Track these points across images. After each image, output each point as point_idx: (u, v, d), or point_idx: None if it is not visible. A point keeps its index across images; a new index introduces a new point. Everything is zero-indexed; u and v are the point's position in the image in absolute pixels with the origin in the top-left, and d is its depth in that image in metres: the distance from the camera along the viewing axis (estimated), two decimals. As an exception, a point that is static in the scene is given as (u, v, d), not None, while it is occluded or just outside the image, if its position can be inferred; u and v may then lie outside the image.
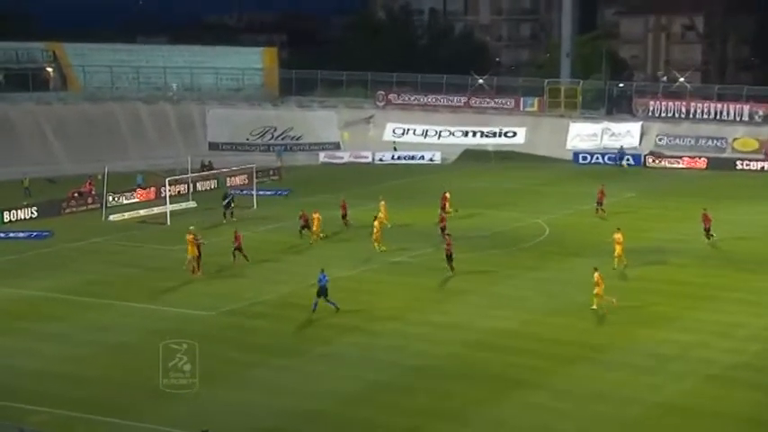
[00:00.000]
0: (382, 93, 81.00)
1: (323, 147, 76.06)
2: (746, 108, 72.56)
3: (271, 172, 65.05)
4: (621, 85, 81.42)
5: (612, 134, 73.78)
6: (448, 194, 49.94)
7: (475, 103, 79.46)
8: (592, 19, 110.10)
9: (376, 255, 40.99)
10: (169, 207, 50.36)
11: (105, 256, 42.68)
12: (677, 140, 72.70)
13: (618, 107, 77.98)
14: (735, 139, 71.31)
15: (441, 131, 77.25)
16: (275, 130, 77.35)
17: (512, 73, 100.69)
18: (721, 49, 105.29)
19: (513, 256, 41.52)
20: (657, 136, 73.31)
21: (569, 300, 34.24)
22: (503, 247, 43.31)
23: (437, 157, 72.97)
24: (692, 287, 36.34)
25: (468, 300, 34.90)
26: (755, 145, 70.41)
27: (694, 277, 37.87)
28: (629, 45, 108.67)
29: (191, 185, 56.79)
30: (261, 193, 56.10)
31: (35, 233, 47.21)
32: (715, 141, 71.73)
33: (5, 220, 49.56)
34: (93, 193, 55.62)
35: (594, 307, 32.69)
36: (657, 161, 69.94)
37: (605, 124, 74.44)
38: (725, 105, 73.55)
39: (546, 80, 79.47)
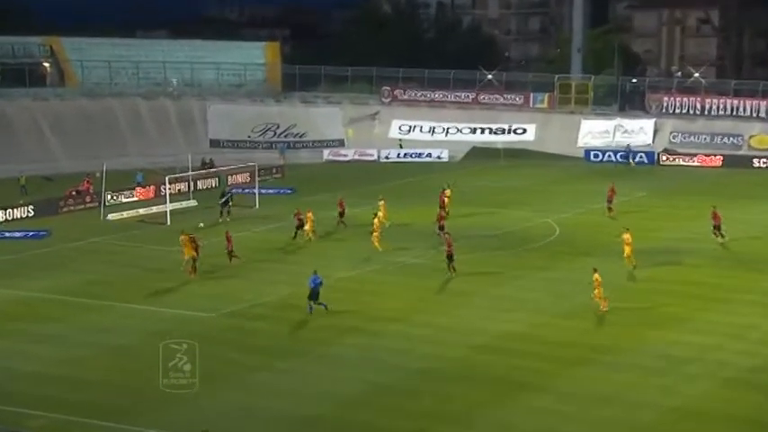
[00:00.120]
0: (388, 88, 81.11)
1: (327, 144, 76.23)
2: (763, 104, 72.53)
3: (273, 170, 65.21)
4: (634, 80, 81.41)
5: (625, 131, 73.78)
6: (448, 191, 50.07)
7: (483, 99, 79.54)
8: (603, 12, 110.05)
9: (379, 255, 41.19)
10: (169, 206, 50.57)
11: (104, 256, 42.93)
12: (692, 138, 72.70)
13: (630, 103, 77.95)
14: (751, 137, 71.27)
15: (448, 128, 77.33)
16: (278, 126, 77.54)
17: (521, 68, 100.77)
18: (737, 43, 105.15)
19: (521, 257, 41.67)
20: (671, 133, 73.31)
21: (579, 301, 34.37)
22: (511, 247, 43.46)
23: (444, 155, 73.09)
24: (705, 288, 36.47)
25: (473, 301, 35.07)
26: (773, 142, 70.49)
27: (707, 278, 38.01)
28: (643, 39, 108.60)
29: (191, 184, 57.01)
30: (263, 191, 56.29)
31: (32, 233, 47.46)
32: (731, 138, 71.72)
33: (1, 220, 49.76)
34: (91, 191, 55.85)
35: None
36: (671, 159, 69.97)
37: (617, 121, 74.44)
38: (741, 101, 73.51)
39: (556, 75, 79.52)
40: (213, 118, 76.94)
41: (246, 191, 57.77)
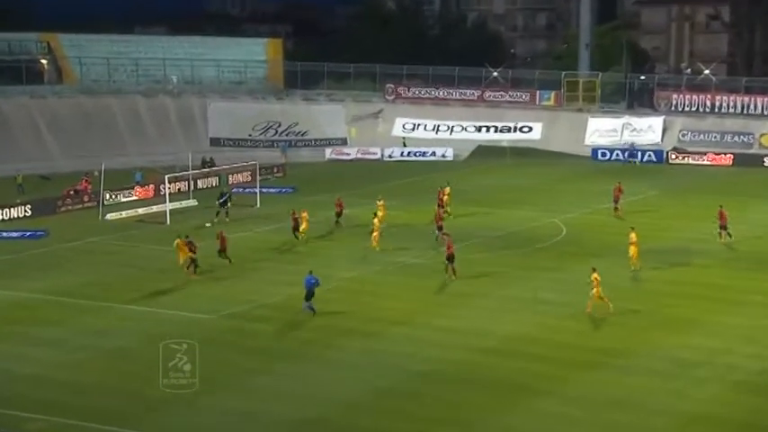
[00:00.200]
0: (391, 86, 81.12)
1: (329, 142, 76.25)
2: (775, 102, 72.51)
3: (275, 169, 65.24)
4: (643, 77, 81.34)
5: (633, 129, 73.75)
6: (447, 189, 49.99)
7: (489, 96, 79.54)
8: (611, 8, 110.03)
9: (379, 255, 41.20)
10: (169, 205, 50.56)
11: (102, 256, 42.92)
12: (701, 136, 72.62)
13: (639, 101, 77.94)
14: (762, 135, 71.19)
15: (453, 126, 77.33)
16: (279, 125, 77.58)
17: (527, 65, 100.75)
18: (748, 40, 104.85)
19: (527, 257, 41.62)
20: (681, 131, 73.24)
21: (586, 303, 34.27)
22: (517, 247, 43.41)
23: (449, 154, 73.07)
24: (715, 289, 36.41)
25: (478, 303, 35.01)
26: (784, 141, 70.38)
27: (717, 279, 37.95)
28: (651, 35, 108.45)
29: (191, 183, 57.02)
30: (264, 190, 56.30)
31: (29, 233, 47.47)
32: (741, 137, 71.63)
33: (-2, 219, 49.88)
34: (89, 190, 55.87)
35: (588, 311, 32.72)
36: (680, 158, 69.89)
37: (626, 119, 74.40)
38: (752, 99, 73.41)
39: (563, 72, 79.50)
40: (213, 116, 76.99)
41: (247, 190, 57.78)
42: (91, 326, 32.62)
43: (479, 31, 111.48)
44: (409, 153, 73.42)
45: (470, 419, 25.11)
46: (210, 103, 77.68)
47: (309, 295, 32.82)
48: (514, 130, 75.99)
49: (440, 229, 43.19)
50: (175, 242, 38.15)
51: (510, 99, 79.11)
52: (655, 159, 70.11)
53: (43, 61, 78.25)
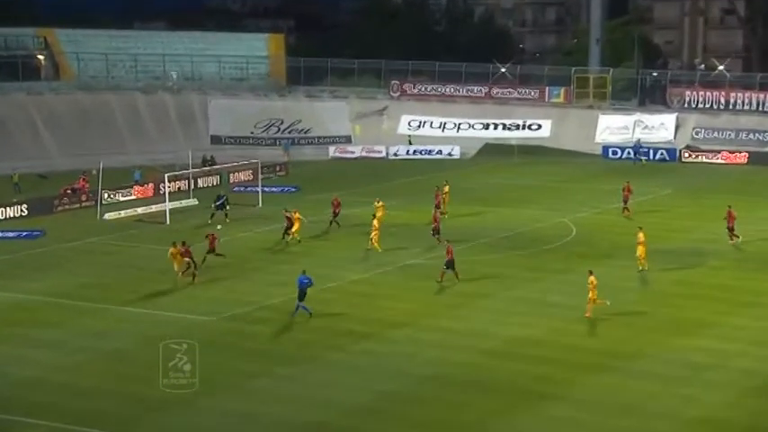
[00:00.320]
0: (397, 82, 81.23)
1: (333, 140, 76.36)
2: (791, 98, 72.51)
3: (277, 167, 65.41)
4: (655, 73, 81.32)
5: (645, 127, 73.75)
6: (447, 188, 50.04)
7: (496, 93, 79.58)
8: (623, 2, 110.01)
9: (383, 256, 41.39)
10: (168, 205, 50.76)
11: (100, 257, 43.13)
12: (715, 134, 72.60)
13: (651, 98, 77.89)
14: (778, 132, 71.21)
15: (460, 124, 77.41)
16: (282, 122, 77.74)
17: (536, 61, 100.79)
18: (764, 35, 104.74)
19: (536, 258, 41.74)
20: (694, 129, 73.23)
21: (606, 305, 34.40)
22: (525, 247, 43.53)
23: (456, 152, 73.16)
24: (728, 291, 36.51)
25: (483, 304, 35.17)
26: (800, 138, 70.38)
27: (730, 280, 38.04)
28: (664, 30, 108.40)
29: (191, 182, 57.22)
30: (266, 190, 56.48)
31: (25, 232, 47.69)
32: (756, 135, 71.57)
33: (-6, 219, 50.11)
34: (86, 189, 56.10)
35: (588, 315, 32.83)
36: (694, 156, 69.89)
37: (637, 116, 74.39)
38: (767, 96, 73.36)
39: (573, 68, 79.49)
40: (214, 113, 77.17)
41: (249, 189, 57.97)
42: (90, 328, 32.83)
43: (487, 25, 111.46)
44: (415, 151, 73.52)
45: (475, 423, 25.24)
46: (211, 99, 77.87)
47: (302, 296, 33.00)
48: (523, 128, 76.03)
49: (436, 231, 43.19)
50: (169, 251, 38.13)
51: (518, 96, 79.14)
52: (667, 158, 70.11)
53: (40, 57, 78.48)
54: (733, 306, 34.68)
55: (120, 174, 58.53)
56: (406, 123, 77.86)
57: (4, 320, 33.80)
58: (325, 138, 76.78)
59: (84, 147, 67.56)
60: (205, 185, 59.10)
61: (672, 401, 26.43)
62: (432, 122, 77.74)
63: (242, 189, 59.06)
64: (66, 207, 53.56)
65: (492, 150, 72.86)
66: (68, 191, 55.90)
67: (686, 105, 74.77)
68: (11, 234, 47.41)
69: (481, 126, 77.02)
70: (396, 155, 73.26)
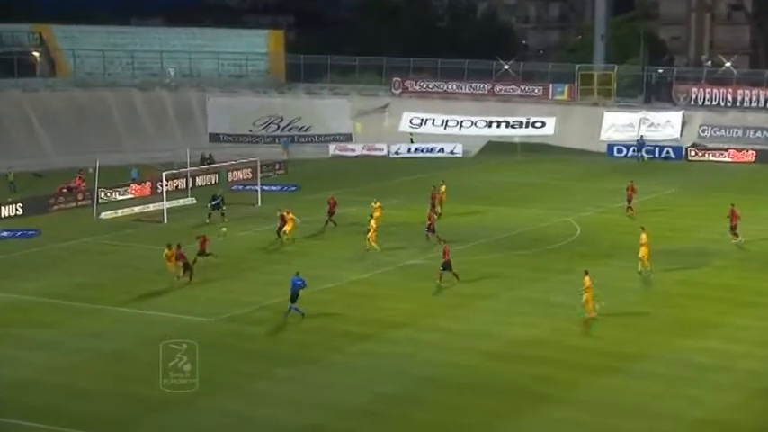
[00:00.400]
0: (398, 79, 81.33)
1: (333, 138, 76.48)
2: (799, 96, 72.55)
3: (276, 166, 65.52)
4: (661, 70, 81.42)
5: (651, 124, 73.84)
6: (444, 188, 50.08)
7: (499, 90, 79.68)
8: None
9: (382, 256, 41.50)
10: (166, 204, 50.87)
11: (97, 257, 43.23)
12: (722, 131, 72.67)
13: (657, 95, 78.00)
14: (786, 130, 71.28)
15: (462, 122, 77.52)
16: (281, 120, 77.85)
17: (540, 57, 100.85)
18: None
19: (539, 258, 41.82)
20: (700, 126, 73.29)
21: (601, 306, 34.50)
22: (528, 247, 43.61)
23: (458, 150, 73.26)
24: (733, 291, 36.60)
25: (487, 305, 35.24)
26: (808, 136, 70.42)
27: (735, 280, 38.14)
28: (670, 26, 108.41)
29: (189, 180, 57.32)
30: (265, 188, 56.57)
31: (20, 232, 47.79)
32: (764, 132, 71.65)
33: (-11, 218, 50.22)
34: (83, 188, 56.23)
35: (593, 315, 32.89)
36: (700, 154, 69.97)
37: (643, 114, 74.48)
38: (775, 93, 73.47)
39: (577, 65, 79.58)
40: (213, 111, 77.29)
41: (248, 188, 58.07)
42: (86, 328, 32.93)
43: (490, 22, 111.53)
44: (416, 149, 73.63)
45: (476, 426, 25.32)
46: (209, 97, 77.97)
47: (294, 297, 33.13)
48: (526, 126, 76.12)
49: (431, 230, 43.21)
50: (164, 253, 38.22)
51: (522, 93, 79.21)
52: (673, 156, 70.20)
53: (35, 53, 78.59)
54: (737, 306, 34.77)
55: (117, 172, 58.63)
56: (407, 121, 77.95)
57: (-1, 321, 33.92)
58: (325, 136, 76.87)
59: (80, 145, 67.67)
60: (203, 184, 59.19)
61: (676, 403, 26.51)
62: (434, 120, 77.84)
63: (241, 188, 59.18)
64: (62, 206, 53.68)
65: (495, 148, 72.94)
66: (64, 190, 56.04)
67: (692, 103, 74.82)
68: (6, 233, 47.50)
69: (484, 124, 77.12)
70: (397, 153, 73.36)
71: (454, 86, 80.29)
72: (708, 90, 75.17)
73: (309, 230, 46.30)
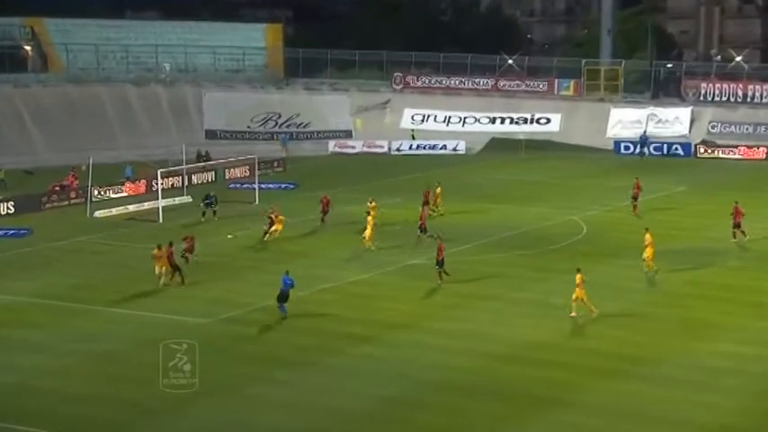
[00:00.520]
0: (399, 74, 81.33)
1: (333, 135, 76.50)
2: (811, 91, 72.50)
3: (274, 163, 65.52)
4: (669, 65, 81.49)
5: (659, 121, 73.87)
6: (439, 189, 50.07)
7: (503, 86, 79.68)
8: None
9: (382, 256, 41.49)
10: (161, 202, 50.85)
11: (90, 256, 43.20)
12: (732, 128, 72.66)
13: (665, 90, 78.01)
14: (798, 127, 71.26)
15: (465, 118, 77.52)
16: (279, 116, 77.84)
17: (545, 52, 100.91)
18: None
19: (544, 258, 41.78)
20: (710, 123, 73.27)
21: (608, 307, 34.45)
22: (533, 246, 43.57)
23: (461, 147, 73.26)
24: (749, 293, 36.52)
25: (488, 305, 35.20)
26: (821, 133, 70.40)
27: (751, 281, 38.08)
28: (679, 20, 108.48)
29: (185, 178, 57.28)
30: (263, 186, 56.54)
31: (12, 231, 47.77)
32: (775, 129, 71.70)
33: (-21, 217, 50.21)
34: (76, 186, 56.20)
35: (573, 314, 32.92)
36: (710, 151, 69.98)
37: (651, 110, 74.50)
38: (787, 88, 73.48)
39: (584, 60, 79.59)
40: (209, 106, 77.28)
41: (245, 186, 58.04)
42: (79, 330, 32.89)
43: (494, 15, 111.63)
44: (418, 146, 73.63)
45: (480, 430, 25.24)
46: (206, 92, 77.96)
47: (284, 297, 33.08)
48: (531, 122, 76.12)
49: (422, 230, 43.11)
50: (153, 252, 38.14)
51: (526, 88, 79.22)
52: (682, 153, 70.20)
53: (27, 48, 78.51)
54: (748, 307, 34.70)
55: (111, 170, 58.61)
56: (409, 117, 77.97)
57: (-11, 322, 33.86)
58: (324, 132, 76.88)
59: (73, 142, 67.65)
60: (199, 182, 59.17)
61: (686, 407, 26.43)
62: (436, 116, 77.84)
63: (238, 186, 59.15)
64: (55, 204, 53.66)
65: (498, 145, 72.92)
66: (57, 188, 56.02)
67: (702, 98, 74.81)
68: (-3, 232, 47.51)
69: (487, 120, 77.11)
70: (398, 150, 73.35)
71: (457, 82, 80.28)
72: (717, 85, 75.15)
73: (309, 230, 46.19)
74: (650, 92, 78.00)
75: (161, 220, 49.31)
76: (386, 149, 73.53)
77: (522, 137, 73.03)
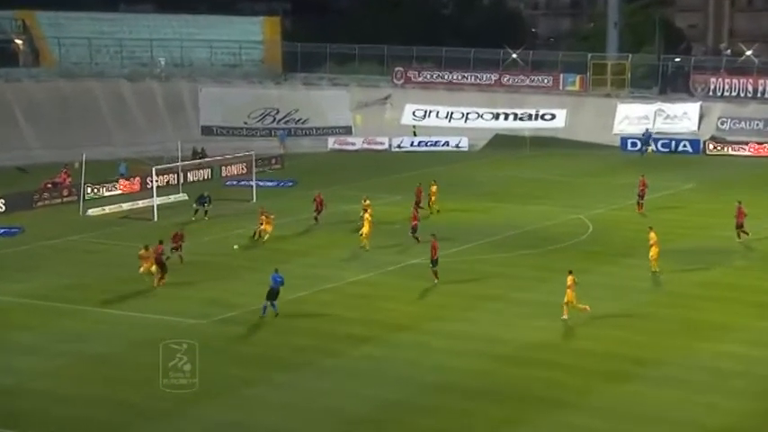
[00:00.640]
0: (400, 69, 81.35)
1: (332, 131, 76.52)
2: (823, 86, 72.53)
3: (272, 160, 65.60)
4: (677, 59, 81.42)
5: (667, 116, 73.89)
6: (435, 188, 50.03)
7: (507, 80, 79.70)
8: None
9: (381, 255, 41.57)
10: (156, 200, 50.91)
11: (83, 255, 43.26)
12: (742, 124, 72.66)
13: (673, 85, 77.99)
14: (809, 123, 71.26)
15: (468, 114, 77.52)
16: (277, 112, 77.88)
17: (550, 46, 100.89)
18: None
19: (549, 257, 41.81)
20: (719, 119, 73.28)
21: (614, 307, 34.56)
22: (536, 246, 43.62)
23: (463, 144, 73.30)
24: (756, 293, 36.57)
25: (491, 306, 35.27)
26: (833, 129, 70.42)
27: (758, 281, 38.14)
28: (687, 13, 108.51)
29: (181, 175, 57.32)
30: (261, 184, 56.60)
31: (3, 229, 47.82)
32: (786, 125, 71.72)
33: (-30, 215, 50.26)
34: (69, 183, 56.25)
35: (565, 317, 32.99)
36: (719, 148, 69.97)
37: (658, 105, 74.49)
38: (798, 83, 73.47)
39: (589, 54, 79.64)
40: (205, 102, 77.32)
41: (242, 183, 58.09)
42: (71, 330, 32.94)
43: (497, 8, 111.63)
44: (420, 143, 73.67)
45: (484, 433, 25.38)
46: (202, 87, 77.99)
47: (274, 295, 33.17)
48: (535, 118, 76.13)
49: (413, 230, 43.17)
50: (140, 252, 38.18)
51: (530, 83, 79.25)
52: (690, 150, 70.23)
53: (18, 41, 78.56)
54: (759, 308, 34.75)
55: (105, 167, 58.69)
56: (410, 113, 77.97)
57: (-20, 323, 33.91)
58: (323, 128, 76.91)
59: (65, 138, 67.72)
60: (195, 179, 59.20)
61: (693, 410, 26.50)
62: (438, 112, 77.85)
63: (235, 183, 59.21)
64: (47, 202, 53.71)
65: (502, 142, 72.95)
66: (49, 185, 56.08)
67: (711, 93, 74.80)
68: (-13, 231, 47.58)
69: (491, 116, 77.12)
70: (399, 147, 73.39)
71: (459, 76, 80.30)
72: (727, 80, 75.14)
73: (305, 229, 46.24)
74: (658, 87, 78.00)
75: (156, 219, 49.37)
76: (386, 146, 73.57)
77: (526, 133, 73.06)
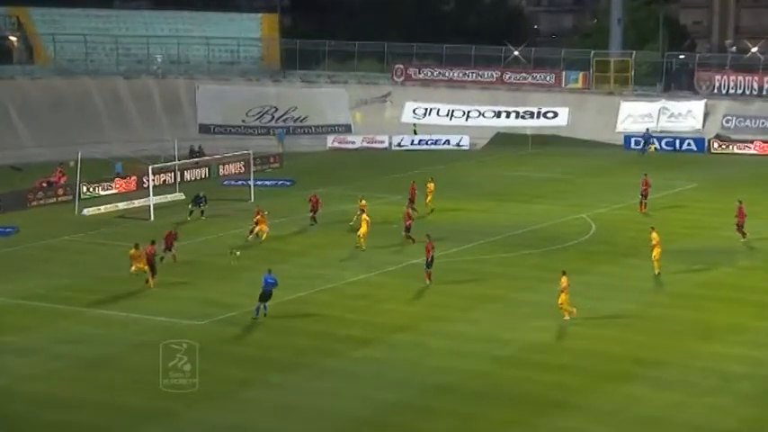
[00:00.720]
0: (400, 66, 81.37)
1: (331, 130, 76.54)
2: (829, 84, 72.54)
3: (270, 159, 65.58)
4: (682, 56, 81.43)
5: (671, 115, 73.90)
6: (431, 186, 50.01)
7: (509, 78, 79.71)
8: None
9: (381, 255, 41.57)
10: (153, 199, 50.92)
11: (78, 256, 43.27)
12: (748, 122, 72.65)
13: (677, 83, 78.00)
14: (815, 121, 71.29)
15: (469, 112, 77.54)
16: (276, 110, 77.90)
17: (552, 43, 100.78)
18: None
19: (551, 257, 41.82)
20: (724, 117, 73.27)
21: (617, 308, 34.58)
22: (539, 246, 43.63)
23: (465, 142, 73.29)
24: (760, 293, 36.59)
25: (496, 308, 35.27)
26: (839, 127, 70.44)
27: (762, 282, 38.16)
28: (691, 9, 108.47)
29: (178, 174, 57.33)
30: (259, 183, 56.60)
31: (-3, 229, 47.89)
32: (792, 123, 71.74)
33: (-37, 215, 50.27)
34: (64, 182, 56.26)
35: (567, 317, 33.05)
36: (724, 146, 69.96)
37: (662, 103, 74.50)
38: (804, 81, 73.46)
39: (592, 51, 79.62)
40: (203, 100, 77.35)
41: (240, 182, 58.09)
42: (66, 333, 32.94)
43: (499, 5, 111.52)
44: (420, 141, 73.68)
45: (485, 436, 25.40)
46: (199, 85, 78.03)
47: (266, 296, 33.22)
48: (538, 116, 76.15)
49: (407, 229, 43.17)
50: (131, 252, 38.21)
51: (533, 81, 79.26)
52: (695, 148, 70.22)
53: (12, 38, 78.59)
54: (762, 309, 34.73)
55: (100, 166, 58.64)
56: (410, 111, 77.99)
57: (-27, 325, 33.92)
58: (322, 127, 76.93)
59: (60, 136, 67.73)
60: (192, 178, 59.22)
61: (699, 413, 26.51)
62: (438, 110, 77.87)
63: (232, 182, 59.22)
64: (42, 202, 53.73)
65: (504, 140, 72.97)
66: (44, 184, 56.09)
67: (716, 91, 74.81)
68: (-19, 231, 47.58)
69: (492, 114, 77.14)
70: (399, 145, 73.39)
71: (460, 74, 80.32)
72: (732, 78, 75.12)
73: (303, 229, 46.26)
74: (662, 84, 77.98)
75: (152, 218, 49.37)
76: (386, 145, 73.57)
77: (528, 131, 73.06)
